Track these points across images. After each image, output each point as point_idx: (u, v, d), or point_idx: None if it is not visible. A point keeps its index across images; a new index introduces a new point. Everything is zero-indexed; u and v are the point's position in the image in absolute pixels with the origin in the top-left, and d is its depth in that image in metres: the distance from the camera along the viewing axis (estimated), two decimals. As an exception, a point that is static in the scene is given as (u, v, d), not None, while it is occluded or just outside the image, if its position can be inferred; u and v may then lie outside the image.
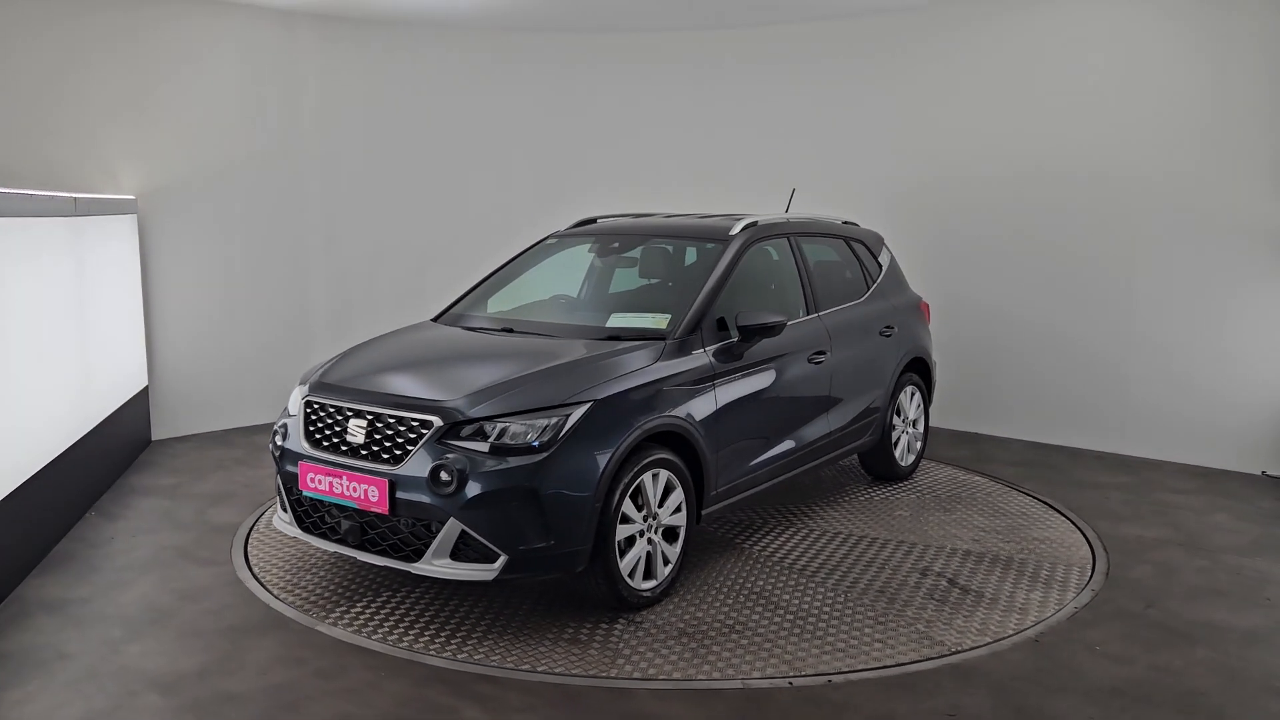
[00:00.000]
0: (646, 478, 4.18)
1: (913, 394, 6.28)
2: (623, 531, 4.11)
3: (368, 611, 4.24)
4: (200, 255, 7.33)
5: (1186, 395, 6.71)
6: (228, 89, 7.36)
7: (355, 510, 4.06)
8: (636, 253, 5.44)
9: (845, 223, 6.27)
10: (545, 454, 3.89)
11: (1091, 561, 4.90)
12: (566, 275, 5.75)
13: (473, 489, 3.84)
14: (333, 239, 8.03)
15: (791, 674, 3.71)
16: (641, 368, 4.30)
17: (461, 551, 3.90)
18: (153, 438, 7.17)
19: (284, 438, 4.40)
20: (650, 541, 4.24)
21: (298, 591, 4.45)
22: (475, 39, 8.31)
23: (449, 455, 3.89)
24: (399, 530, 4.00)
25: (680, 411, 4.34)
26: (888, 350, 5.93)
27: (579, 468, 3.94)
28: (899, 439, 6.16)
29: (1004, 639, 4.02)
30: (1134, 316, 6.87)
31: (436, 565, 3.93)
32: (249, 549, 4.99)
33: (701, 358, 4.55)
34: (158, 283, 7.13)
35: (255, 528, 5.30)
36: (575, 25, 8.24)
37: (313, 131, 7.83)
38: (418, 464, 3.93)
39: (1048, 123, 7.07)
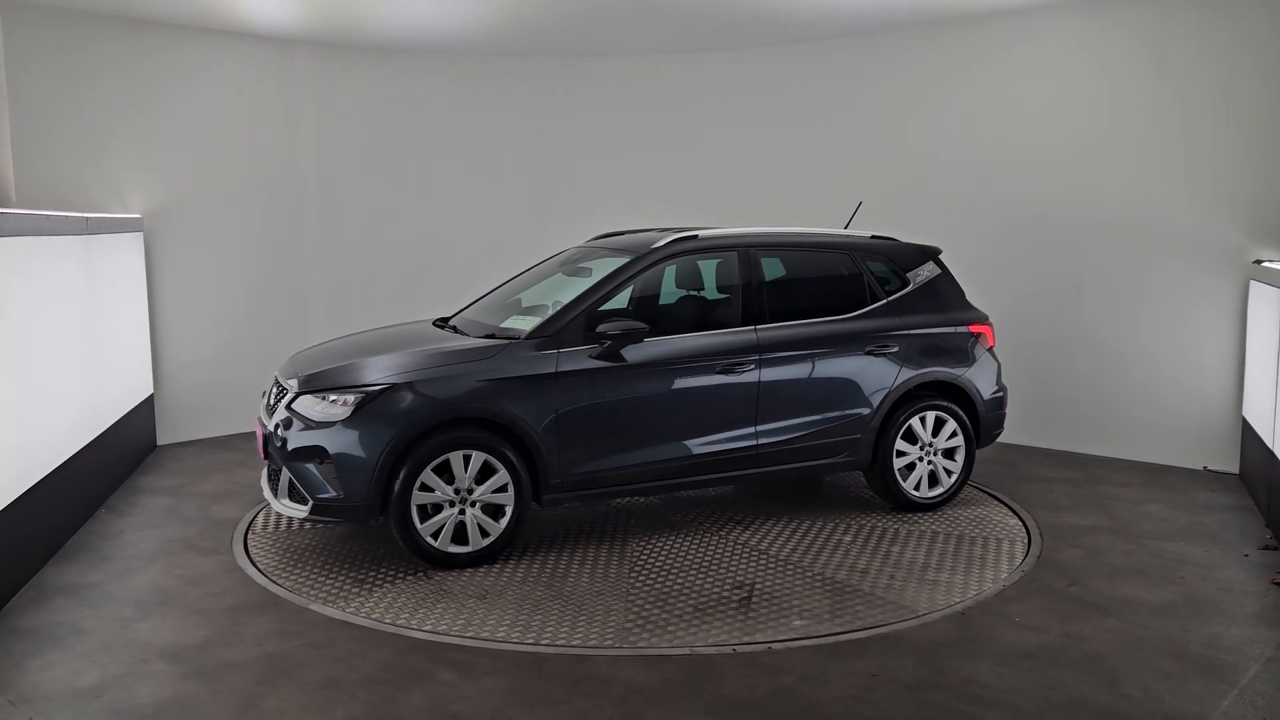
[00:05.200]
0: (455, 456, 4.82)
1: (941, 422, 5.85)
2: (423, 498, 4.81)
3: (356, 593, 4.67)
4: (202, 270, 7.77)
5: (1136, 397, 7.11)
6: (228, 112, 7.81)
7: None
8: (591, 264, 5.80)
9: (875, 237, 6.06)
10: (340, 422, 4.78)
11: (1026, 546, 5.29)
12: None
13: (291, 444, 4.86)
14: (328, 254, 8.46)
15: (733, 642, 4.11)
16: (467, 362, 4.95)
17: (293, 493, 4.93)
18: (158, 442, 7.59)
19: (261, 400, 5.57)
20: (463, 512, 4.88)
21: (292, 576, 4.88)
22: (464, 63, 8.77)
23: (285, 417, 4.94)
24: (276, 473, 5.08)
25: (506, 404, 4.90)
26: (878, 370, 5.69)
27: (367, 437, 4.74)
28: (911, 466, 5.82)
29: (933, 612, 4.42)
30: (1085, 323, 7.28)
31: (281, 503, 5.01)
32: (248, 540, 5.41)
33: (549, 359, 5.03)
34: (162, 296, 7.56)
35: (254, 522, 5.72)
36: (560, 50, 8.69)
37: (309, 152, 8.28)
38: (273, 422, 5.02)
39: (1003, 139, 7.50)
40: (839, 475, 6.62)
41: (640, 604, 4.53)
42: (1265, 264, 6.18)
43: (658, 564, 5.05)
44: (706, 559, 5.12)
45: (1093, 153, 7.12)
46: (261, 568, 4.99)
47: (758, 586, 4.73)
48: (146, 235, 7.42)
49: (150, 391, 7.40)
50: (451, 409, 4.82)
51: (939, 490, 5.91)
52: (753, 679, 3.79)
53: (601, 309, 5.33)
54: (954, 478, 5.93)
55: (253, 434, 7.74)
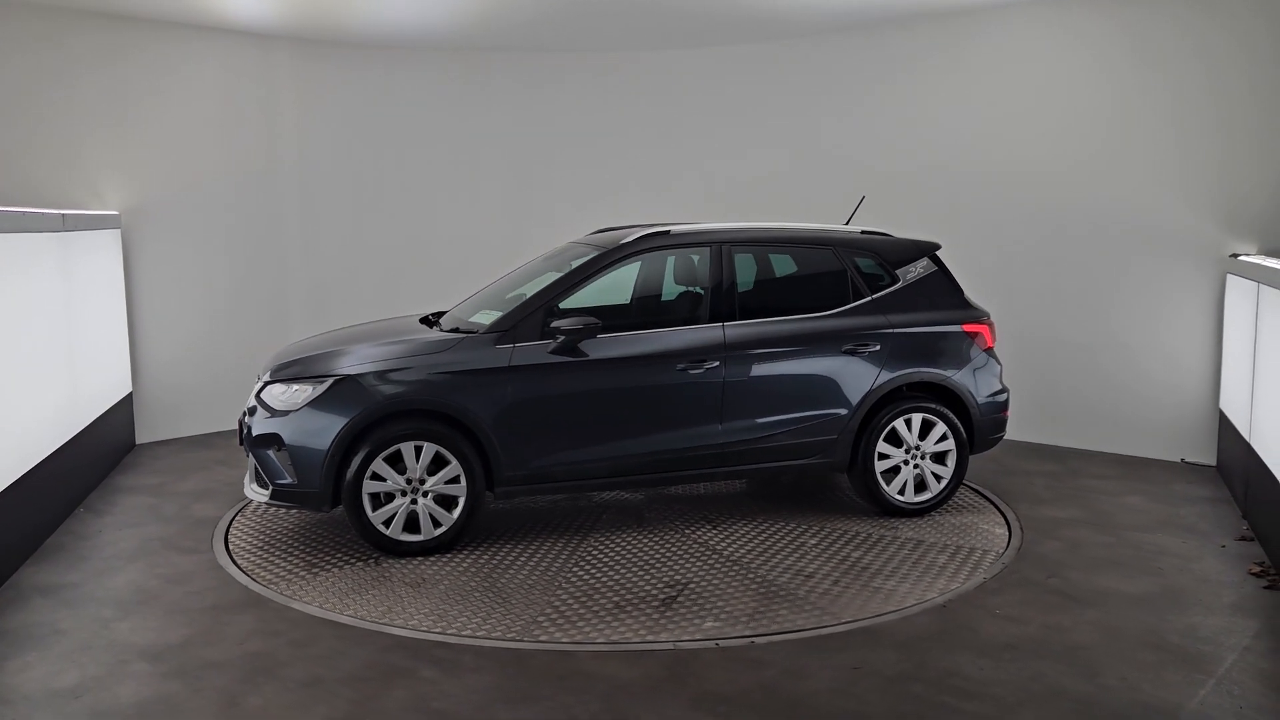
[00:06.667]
0: (406, 447, 4.94)
1: (930, 424, 5.65)
2: (375, 487, 4.94)
3: (300, 576, 4.75)
4: (181, 267, 7.71)
5: (1115, 390, 7.17)
6: (207, 108, 7.74)
7: None
8: (575, 260, 5.77)
9: (865, 232, 5.91)
10: (295, 411, 4.97)
11: (998, 556, 5.10)
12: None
13: (254, 431, 5.06)
14: (309, 250, 8.42)
15: (718, 636, 4.13)
16: (421, 355, 5.07)
17: (258, 479, 5.11)
18: (137, 441, 7.53)
19: None
20: (414, 501, 4.99)
21: (274, 573, 4.86)
22: (446, 60, 8.73)
23: (252, 405, 5.16)
24: None
25: (456, 397, 5.00)
26: (857, 369, 5.52)
27: (318, 426, 4.92)
28: (895, 469, 5.64)
29: (915, 605, 4.44)
30: (1064, 317, 7.34)
31: (249, 488, 5.21)
32: (229, 538, 5.38)
33: (504, 354, 5.09)
34: (141, 294, 7.50)
35: (235, 520, 5.69)
36: (543, 46, 8.67)
37: (290, 148, 8.23)
38: (244, 410, 5.28)
39: (983, 138, 7.54)
40: (843, 479, 6.53)
41: (563, 599, 4.54)
42: (1241, 258, 6.25)
43: (604, 560, 5.05)
44: (655, 557, 5.10)
45: (1072, 148, 7.17)
46: (242, 566, 4.96)
47: (692, 586, 4.69)
48: (125, 233, 7.35)
49: (129, 390, 7.34)
50: (399, 401, 4.96)
51: (926, 495, 5.68)
52: (735, 673, 3.80)
53: (587, 305, 5.34)
54: (943, 483, 5.69)
55: (233, 431, 7.73)
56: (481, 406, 5.01)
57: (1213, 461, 6.81)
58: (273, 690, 3.65)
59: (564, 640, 4.09)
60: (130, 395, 7.38)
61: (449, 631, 4.18)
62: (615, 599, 4.54)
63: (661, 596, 4.56)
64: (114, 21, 7.20)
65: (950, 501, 5.92)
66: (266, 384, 5.21)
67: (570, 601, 4.51)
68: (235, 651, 3.98)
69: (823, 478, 6.49)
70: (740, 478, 5.71)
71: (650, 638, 4.12)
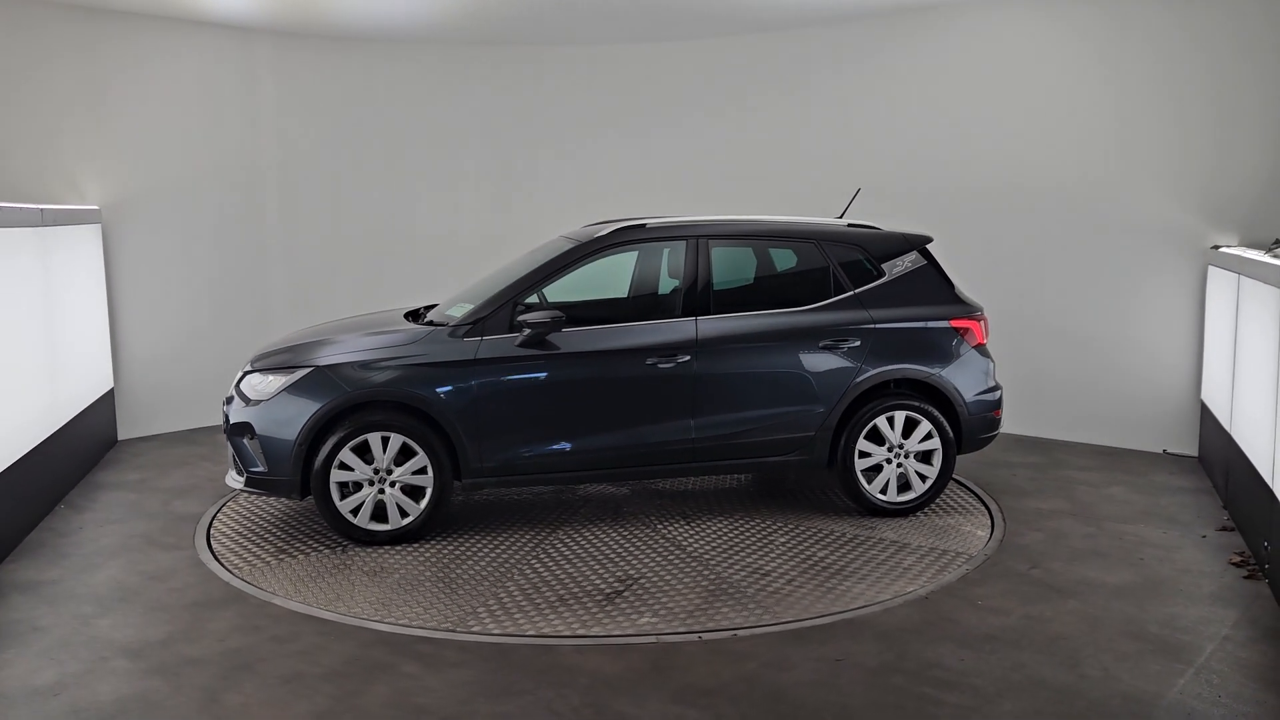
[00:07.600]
0: (373, 437, 5.02)
1: (914, 424, 5.50)
2: (342, 476, 5.03)
3: (294, 577, 4.72)
4: (163, 263, 7.66)
5: (1098, 381, 7.20)
6: (188, 102, 7.69)
7: None
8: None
9: (852, 225, 5.79)
10: (265, 401, 5.09)
11: (968, 559, 4.95)
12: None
13: (231, 419, 5.20)
14: (290, 245, 8.37)
15: (699, 629, 4.13)
16: (389, 348, 5.17)
17: (235, 466, 5.22)
18: (119, 437, 7.48)
19: None
20: (382, 491, 5.07)
21: (241, 558, 4.92)
22: (428, 52, 8.68)
23: (231, 394, 5.31)
24: None
25: (419, 388, 5.07)
26: (835, 365, 5.42)
27: (288, 415, 5.04)
28: (878, 469, 5.52)
29: (897, 597, 4.46)
30: (1048, 309, 7.36)
31: (229, 475, 5.31)
32: (211, 535, 5.35)
33: (470, 346, 5.14)
34: (122, 289, 7.45)
35: (217, 516, 5.67)
36: (526, 39, 8.63)
37: (271, 142, 8.18)
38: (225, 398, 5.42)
39: (965, 129, 7.55)
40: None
41: (510, 591, 4.55)
42: (1223, 249, 6.28)
43: (565, 553, 5.05)
44: (617, 551, 5.08)
45: (1054, 140, 7.18)
46: (224, 562, 4.94)
47: (641, 581, 4.66)
48: (105, 227, 7.29)
49: (110, 385, 7.29)
50: (366, 392, 5.04)
51: (910, 495, 5.53)
52: (718, 666, 3.80)
53: (574, 300, 5.34)
54: (927, 483, 5.53)
55: (209, 428, 7.72)
56: (447, 398, 5.07)
57: (1194, 452, 6.84)
58: (253, 686, 3.64)
59: (496, 631, 4.10)
60: (112, 391, 7.33)
61: (388, 620, 4.22)
62: (561, 592, 4.54)
63: (607, 591, 4.55)
64: (93, 14, 7.14)
65: (949, 508, 5.75)
66: (246, 374, 5.33)
67: (515, 593, 4.52)
68: (216, 648, 3.97)
69: (826, 477, 6.40)
70: (714, 474, 5.67)
71: (583, 631, 4.12)
